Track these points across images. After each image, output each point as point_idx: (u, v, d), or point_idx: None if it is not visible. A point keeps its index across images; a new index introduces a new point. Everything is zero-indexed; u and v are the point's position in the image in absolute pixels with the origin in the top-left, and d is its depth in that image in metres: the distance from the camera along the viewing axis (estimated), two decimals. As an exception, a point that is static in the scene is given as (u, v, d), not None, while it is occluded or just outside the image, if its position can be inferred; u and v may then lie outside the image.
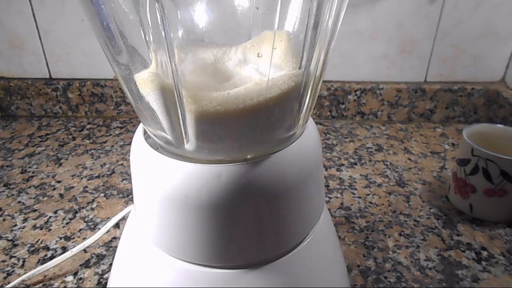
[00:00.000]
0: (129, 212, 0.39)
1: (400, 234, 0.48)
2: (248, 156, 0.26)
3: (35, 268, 0.41)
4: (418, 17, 0.69)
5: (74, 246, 0.43)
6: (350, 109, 0.76)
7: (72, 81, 0.76)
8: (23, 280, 0.40)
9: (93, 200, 0.54)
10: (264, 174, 0.25)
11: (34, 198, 0.54)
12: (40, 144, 0.68)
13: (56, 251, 0.45)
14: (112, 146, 0.68)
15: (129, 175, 0.60)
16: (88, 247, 0.44)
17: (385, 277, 0.42)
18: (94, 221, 0.50)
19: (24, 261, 0.44)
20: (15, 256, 0.44)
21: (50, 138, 0.71)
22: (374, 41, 0.71)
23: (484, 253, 0.45)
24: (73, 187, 0.57)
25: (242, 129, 0.25)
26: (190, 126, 0.25)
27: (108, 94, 0.76)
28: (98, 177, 0.59)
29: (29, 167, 0.61)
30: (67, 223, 0.49)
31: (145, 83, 0.25)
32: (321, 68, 0.27)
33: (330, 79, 0.75)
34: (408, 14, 0.69)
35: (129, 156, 0.63)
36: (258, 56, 0.27)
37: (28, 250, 0.45)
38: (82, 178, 0.59)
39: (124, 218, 0.45)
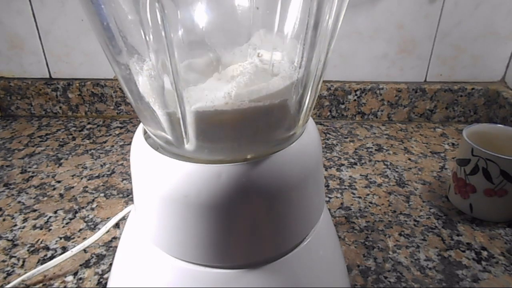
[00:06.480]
0: (129, 212, 0.39)
1: (400, 234, 0.48)
2: (248, 156, 0.26)
3: (35, 268, 0.41)
4: (418, 17, 0.69)
5: (74, 246, 0.43)
6: (350, 109, 0.76)
7: (72, 81, 0.76)
8: (23, 280, 0.40)
9: (93, 200, 0.54)
10: (264, 174, 0.25)
11: (34, 198, 0.54)
12: (40, 144, 0.68)
13: (56, 251, 0.45)
14: (112, 146, 0.68)
15: (129, 175, 0.60)
16: (88, 247, 0.44)
17: (385, 277, 0.42)
18: (94, 221, 0.50)
19: (24, 261, 0.44)
20: (15, 256, 0.44)
21: (50, 138, 0.71)
22: (374, 41, 0.71)
23: (484, 253, 0.45)
24: (73, 187, 0.57)
25: (242, 129, 0.25)
26: (190, 126, 0.25)
27: (108, 94, 0.76)
28: (98, 177, 0.59)
29: (29, 167, 0.61)
30: (67, 223, 0.49)
31: (145, 83, 0.25)
32: (321, 68, 0.27)
33: (330, 79, 0.75)
34: (408, 14, 0.69)
35: (129, 156, 0.63)
36: (258, 56, 0.27)
37: (28, 250, 0.45)
38: (82, 178, 0.59)
39: (124, 218, 0.45)
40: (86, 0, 0.23)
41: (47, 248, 0.46)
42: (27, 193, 0.55)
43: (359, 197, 0.54)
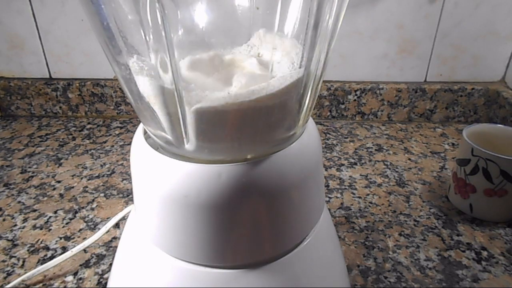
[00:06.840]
0: (129, 212, 0.39)
1: (400, 234, 0.48)
2: (248, 156, 0.26)
3: (35, 268, 0.41)
4: (418, 17, 0.69)
5: (74, 246, 0.43)
6: (350, 109, 0.76)
7: (72, 81, 0.76)
8: (23, 280, 0.40)
9: (93, 200, 0.54)
10: (264, 174, 0.25)
11: (34, 198, 0.54)
12: (40, 144, 0.68)
13: (56, 251, 0.45)
14: (112, 146, 0.68)
15: (129, 175, 0.60)
16: (88, 247, 0.44)
17: (385, 277, 0.42)
18: (94, 221, 0.50)
19: (24, 261, 0.44)
20: (15, 256, 0.44)
21: (50, 138, 0.71)
22: (374, 41, 0.71)
23: (484, 253, 0.45)
24: (73, 187, 0.57)
25: (242, 129, 0.25)
26: (190, 126, 0.25)
27: (108, 94, 0.76)
28: (98, 177, 0.59)
29: (29, 167, 0.61)
30: (67, 223, 0.49)
31: (145, 83, 0.25)
32: (321, 68, 0.27)
33: (330, 79, 0.75)
34: (408, 14, 0.69)
35: (129, 156, 0.63)
36: (258, 56, 0.27)
37: (28, 250, 0.45)
38: (82, 178, 0.59)
39: (124, 218, 0.45)
40: (86, 0, 0.23)
41: (47, 248, 0.46)
42: (27, 193, 0.55)
43: (359, 197, 0.54)
